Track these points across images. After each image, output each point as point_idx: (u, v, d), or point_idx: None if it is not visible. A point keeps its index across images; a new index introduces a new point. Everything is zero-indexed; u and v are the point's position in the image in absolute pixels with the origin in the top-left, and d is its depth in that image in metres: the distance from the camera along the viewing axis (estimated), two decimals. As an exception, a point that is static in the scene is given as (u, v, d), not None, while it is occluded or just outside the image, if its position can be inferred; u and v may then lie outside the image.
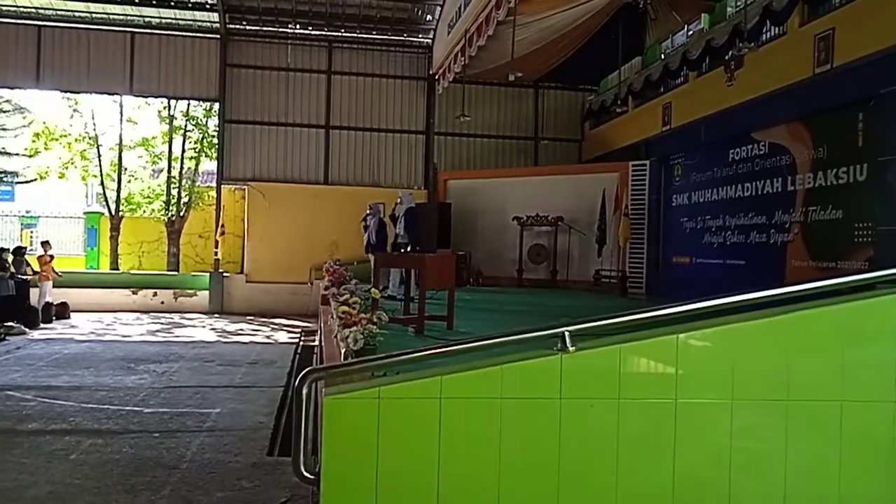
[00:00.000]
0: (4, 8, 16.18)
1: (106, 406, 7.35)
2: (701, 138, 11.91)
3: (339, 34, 17.37)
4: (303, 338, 12.82)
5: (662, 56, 12.87)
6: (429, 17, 17.13)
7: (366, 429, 2.95)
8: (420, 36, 17.60)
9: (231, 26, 16.91)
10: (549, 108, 18.14)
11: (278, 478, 5.25)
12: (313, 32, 17.27)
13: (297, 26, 17.15)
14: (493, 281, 14.34)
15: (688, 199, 12.46)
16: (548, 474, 2.84)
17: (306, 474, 3.08)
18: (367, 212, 11.86)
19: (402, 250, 9.17)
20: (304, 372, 3.24)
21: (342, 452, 2.95)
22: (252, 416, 7.14)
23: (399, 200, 11.09)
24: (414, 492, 2.90)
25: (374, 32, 17.44)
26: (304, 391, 3.16)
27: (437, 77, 16.28)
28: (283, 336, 13.36)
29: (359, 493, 2.93)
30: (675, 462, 2.80)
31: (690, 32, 12.07)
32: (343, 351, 4.48)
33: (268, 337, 13.23)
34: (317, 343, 11.47)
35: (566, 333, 2.89)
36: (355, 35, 17.41)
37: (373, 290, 6.22)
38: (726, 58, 10.63)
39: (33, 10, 16.32)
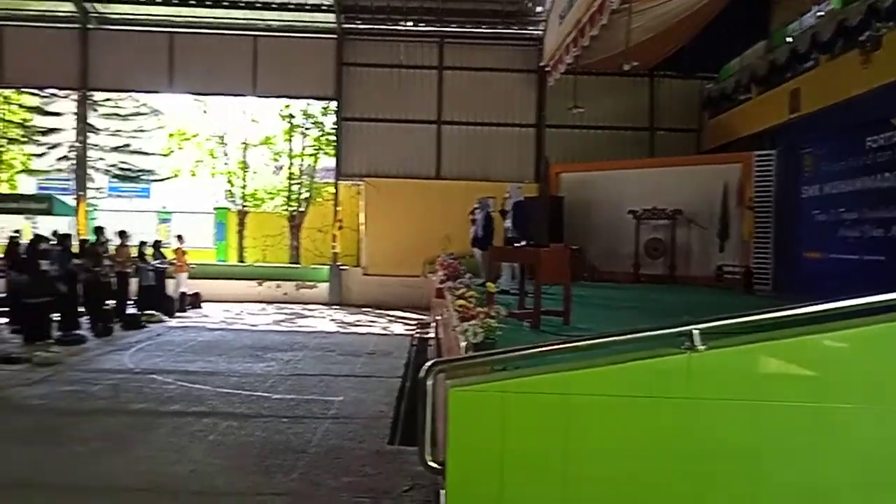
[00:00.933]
0: (141, 17, 17.44)
1: (238, 391, 7.82)
2: (833, 125, 11.18)
3: (450, 29, 17.55)
4: (417, 330, 13.09)
5: (789, 39, 12.17)
6: (539, 8, 17.00)
7: (490, 422, 3.00)
8: (530, 28, 17.50)
9: (346, 26, 17.45)
10: (664, 98, 17.60)
11: (400, 466, 5.41)
12: (425, 29, 17.54)
13: (410, 23, 17.48)
14: (608, 276, 14.05)
15: (819, 190, 11.73)
16: (679, 474, 2.79)
17: (431, 464, 3.18)
18: (476, 205, 11.91)
19: (512, 245, 9.18)
20: (428, 364, 3.33)
21: (467, 444, 3.02)
22: (373, 404, 7.38)
23: (507, 195, 11.08)
24: (539, 486, 2.93)
25: (485, 27, 17.50)
26: (429, 383, 3.25)
27: (548, 69, 16.13)
28: (398, 328, 13.71)
29: (484, 484, 2.99)
30: (814, 468, 2.68)
31: (821, 13, 11.35)
32: (463, 344, 4.55)
33: (384, 328, 13.61)
34: (432, 335, 11.70)
35: (695, 331, 2.83)
36: (466, 30, 17.54)
37: (488, 284, 6.27)
38: (861, 39, 9.91)
39: (166, 19, 17.49)
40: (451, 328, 6.28)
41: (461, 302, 5.75)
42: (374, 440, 6.14)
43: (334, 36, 17.44)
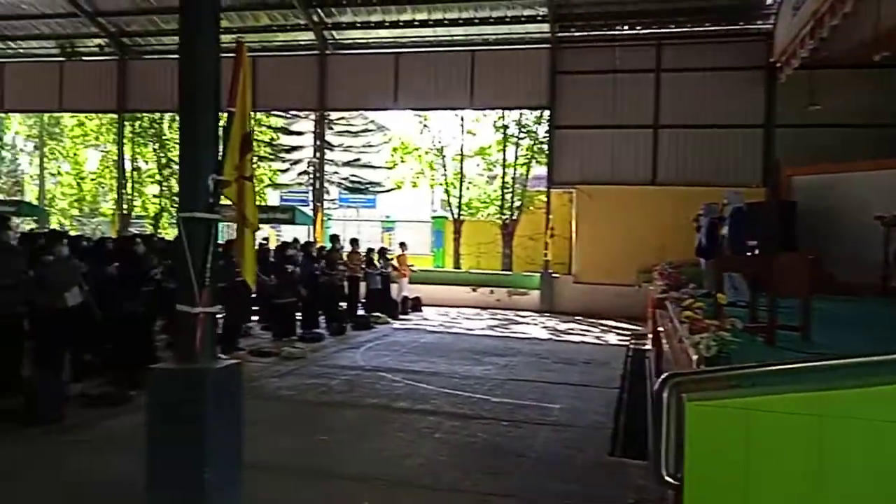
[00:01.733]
0: (371, 41, 18.86)
1: (459, 392, 8.16)
2: None
3: (669, 30, 16.94)
4: (633, 341, 12.76)
5: None
6: (769, 0, 15.84)
7: (732, 439, 2.88)
8: (759, 23, 16.36)
9: (560, 35, 17.50)
10: (920, 88, 15.54)
11: (623, 478, 5.33)
12: (641, 32, 17.10)
13: (626, 27, 17.15)
14: (849, 288, 12.68)
15: None
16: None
17: (667, 479, 3.10)
18: (700, 212, 11.36)
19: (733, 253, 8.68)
20: (664, 376, 3.27)
21: (706, 461, 2.92)
22: (591, 414, 7.33)
23: (725, 201, 10.43)
24: (788, 512, 2.75)
25: (707, 24, 16.67)
26: (665, 395, 3.18)
27: (778, 65, 14.96)
28: (612, 338, 13.46)
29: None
30: None
31: None
32: (694, 357, 4.39)
33: (597, 338, 13.44)
34: (648, 347, 11.35)
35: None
36: (686, 29, 16.83)
37: (719, 295, 5.97)
38: None
39: (392, 41, 18.75)
40: (676, 340, 6.06)
41: (688, 313, 5.54)
42: (595, 450, 6.10)
43: (548, 45, 17.57)
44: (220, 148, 3.80)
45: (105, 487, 4.89)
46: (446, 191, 22.08)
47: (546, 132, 18.62)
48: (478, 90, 18.10)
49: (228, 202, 4.03)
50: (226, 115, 3.79)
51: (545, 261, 17.77)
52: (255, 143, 25.19)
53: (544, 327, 14.75)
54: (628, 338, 13.24)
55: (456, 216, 21.45)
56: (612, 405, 7.77)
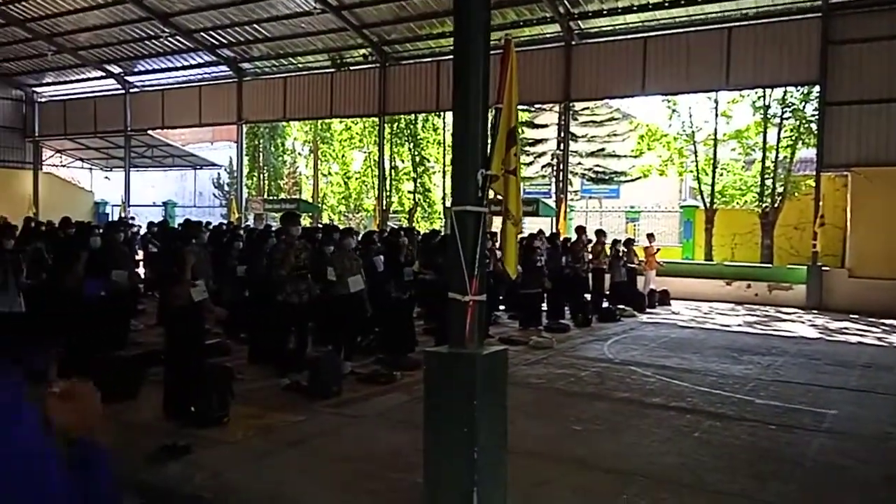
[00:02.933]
0: (617, 28, 18.41)
1: (717, 391, 7.72)
2: None
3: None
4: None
5: None
6: None
7: None
8: None
9: (834, 1, 15.68)
10: None
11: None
12: (939, -13, 14.76)
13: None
14: None
15: None
16: None
17: None
18: None
19: None
20: None
21: None
22: (875, 423, 6.53)
23: None
24: None
25: None
26: None
27: None
28: (898, 339, 11.88)
29: None
30: None
31: None
32: None
33: (879, 339, 11.92)
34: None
35: None
36: None
37: None
38: None
39: (640, 24, 18.10)
40: None
41: None
42: (883, 463, 5.43)
43: (818, 14, 15.83)
44: (489, 143, 3.98)
45: (381, 456, 5.39)
46: (697, 178, 20.91)
47: (815, 110, 16.81)
48: (734, 69, 16.82)
49: (498, 196, 4.20)
50: (493, 111, 3.96)
51: (814, 252, 16.07)
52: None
53: (812, 325, 13.40)
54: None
55: (708, 205, 20.25)
56: (904, 414, 6.85)
